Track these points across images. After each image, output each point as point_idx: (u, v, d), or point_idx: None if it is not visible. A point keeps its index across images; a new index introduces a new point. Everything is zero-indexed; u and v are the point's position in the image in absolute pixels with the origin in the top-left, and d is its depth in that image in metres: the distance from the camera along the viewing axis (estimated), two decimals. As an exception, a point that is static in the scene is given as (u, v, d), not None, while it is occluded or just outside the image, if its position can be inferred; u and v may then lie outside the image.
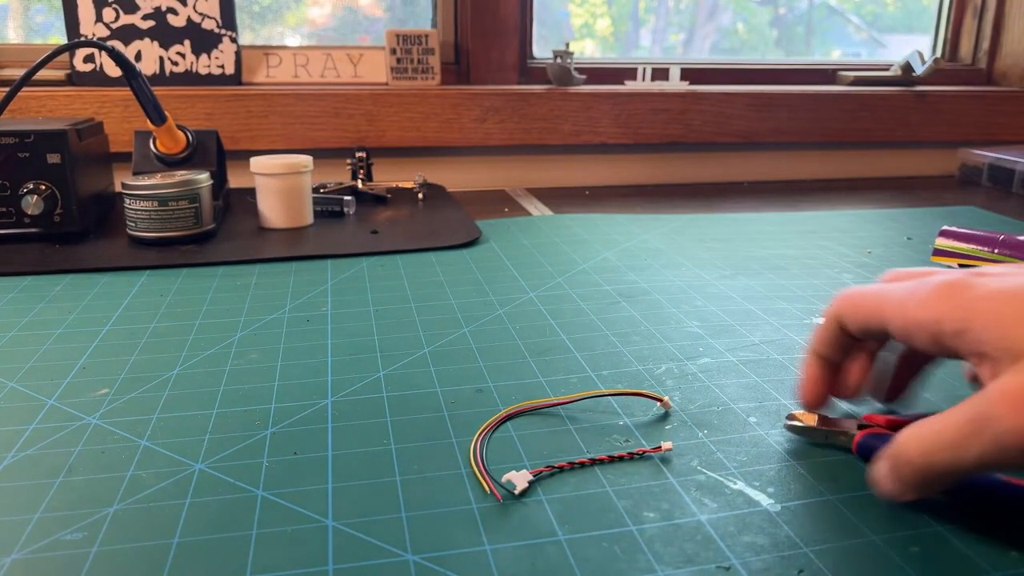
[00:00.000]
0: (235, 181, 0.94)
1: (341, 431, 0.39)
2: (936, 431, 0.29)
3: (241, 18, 1.06)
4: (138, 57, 0.97)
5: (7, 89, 0.65)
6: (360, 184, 0.91)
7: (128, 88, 0.72)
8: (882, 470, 0.32)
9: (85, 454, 0.37)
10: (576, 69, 1.07)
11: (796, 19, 1.34)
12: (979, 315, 0.29)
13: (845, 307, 0.36)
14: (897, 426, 0.35)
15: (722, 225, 0.82)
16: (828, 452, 0.37)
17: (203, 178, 0.71)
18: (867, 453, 0.35)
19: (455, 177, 1.05)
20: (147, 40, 0.97)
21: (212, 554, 0.30)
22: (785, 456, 0.37)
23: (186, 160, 0.77)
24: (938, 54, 1.31)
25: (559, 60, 1.05)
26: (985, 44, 1.26)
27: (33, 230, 0.71)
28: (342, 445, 0.38)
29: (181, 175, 0.71)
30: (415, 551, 0.30)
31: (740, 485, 0.35)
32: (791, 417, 0.39)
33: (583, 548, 0.30)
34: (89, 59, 0.96)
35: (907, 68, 1.17)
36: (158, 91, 0.76)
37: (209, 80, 0.99)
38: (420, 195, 0.93)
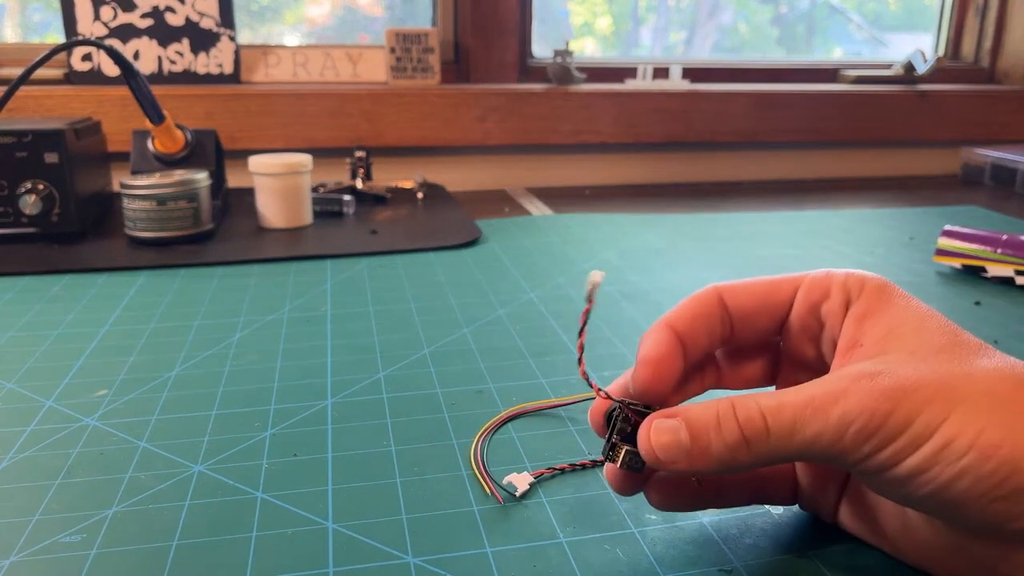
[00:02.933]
0: (234, 181, 0.94)
1: (341, 432, 0.39)
2: (803, 396, 0.25)
3: (240, 17, 1.06)
4: (136, 56, 0.97)
5: (5, 88, 0.65)
6: (359, 184, 0.90)
7: (126, 87, 0.71)
8: (681, 434, 0.26)
9: (84, 456, 0.37)
10: (576, 68, 1.07)
11: (797, 18, 1.33)
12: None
13: (734, 284, 0.30)
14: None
15: (723, 225, 0.81)
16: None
17: (202, 178, 0.71)
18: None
19: (455, 177, 1.05)
20: (145, 39, 0.97)
21: (212, 556, 0.30)
22: (788, 457, 0.37)
23: (185, 160, 0.77)
24: (940, 53, 1.30)
25: (559, 59, 1.04)
26: (987, 43, 1.26)
27: (31, 230, 0.71)
28: (342, 447, 0.37)
29: (180, 175, 0.71)
30: (416, 553, 0.30)
31: (743, 487, 0.34)
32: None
33: (585, 550, 0.30)
34: (87, 58, 0.96)
35: (909, 67, 1.17)
36: (156, 90, 0.75)
37: (208, 79, 0.99)
38: (420, 195, 0.93)
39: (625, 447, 0.28)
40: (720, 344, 0.30)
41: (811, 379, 0.27)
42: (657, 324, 0.29)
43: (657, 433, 0.26)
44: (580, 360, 0.28)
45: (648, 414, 0.27)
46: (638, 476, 0.29)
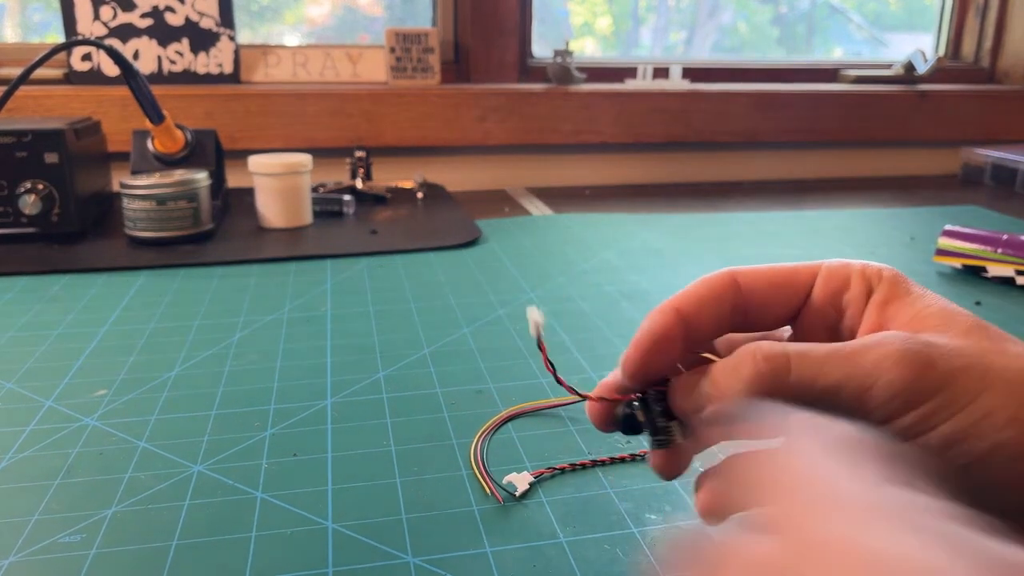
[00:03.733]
0: (234, 181, 0.94)
1: (341, 432, 0.39)
2: (833, 346, 0.25)
3: (240, 17, 1.06)
4: (136, 56, 0.97)
5: (4, 88, 0.65)
6: (359, 184, 0.90)
7: (126, 87, 0.71)
8: (703, 382, 0.26)
9: (83, 456, 0.37)
10: (576, 68, 1.07)
11: (797, 18, 1.33)
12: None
13: (750, 268, 0.30)
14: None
15: (723, 225, 0.81)
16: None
17: (202, 178, 0.71)
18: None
19: (455, 177, 1.04)
20: (145, 39, 0.97)
21: (211, 556, 0.30)
22: (788, 457, 0.37)
23: (184, 159, 0.77)
24: (940, 53, 1.30)
25: (559, 59, 1.04)
26: (988, 43, 1.26)
27: (31, 230, 0.71)
28: (342, 446, 0.37)
29: (179, 175, 0.71)
30: (415, 553, 0.30)
31: (743, 487, 0.34)
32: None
33: (584, 550, 0.30)
34: (87, 58, 0.96)
35: (909, 67, 1.17)
36: (156, 90, 0.75)
37: (207, 79, 0.99)
38: (420, 195, 0.93)
39: (673, 422, 0.27)
40: (729, 329, 0.30)
41: None
42: (661, 306, 0.29)
43: (682, 387, 0.26)
44: (555, 376, 0.28)
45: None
46: (683, 453, 0.29)
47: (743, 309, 0.29)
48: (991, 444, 0.22)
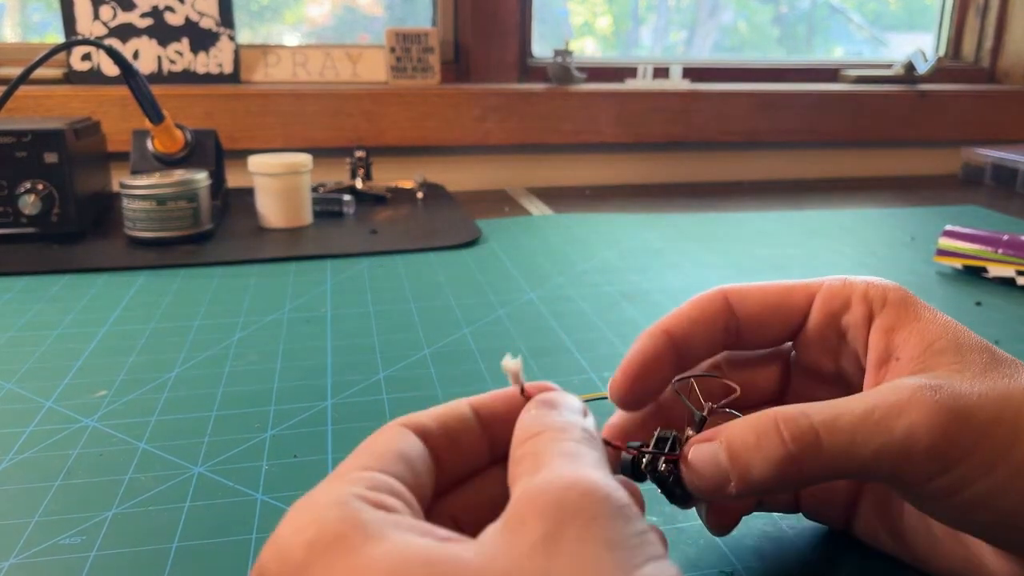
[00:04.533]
0: (234, 181, 0.94)
1: (341, 433, 0.39)
2: (862, 408, 0.23)
3: (239, 16, 1.06)
4: (136, 56, 0.96)
5: (4, 88, 0.64)
6: (359, 184, 0.90)
7: (126, 87, 0.71)
8: (720, 457, 0.23)
9: (83, 457, 0.37)
10: (576, 68, 1.07)
11: (798, 17, 1.33)
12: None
13: (743, 287, 0.29)
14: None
15: (724, 225, 0.81)
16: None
17: (201, 178, 0.71)
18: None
19: (455, 177, 1.04)
20: (145, 38, 0.97)
21: (212, 558, 0.30)
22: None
23: (184, 159, 0.77)
24: (941, 53, 1.30)
25: (559, 59, 1.04)
26: (988, 42, 1.26)
27: (30, 230, 0.71)
28: (342, 448, 0.37)
29: (179, 175, 0.71)
30: (416, 556, 0.30)
31: (744, 488, 0.34)
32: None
33: (586, 553, 0.30)
34: (86, 58, 0.96)
35: (909, 67, 1.17)
36: (156, 90, 0.75)
37: (207, 79, 0.99)
38: (420, 195, 0.93)
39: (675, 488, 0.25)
40: (723, 349, 0.29)
41: (829, 393, 0.25)
42: (651, 328, 0.28)
43: (696, 460, 0.24)
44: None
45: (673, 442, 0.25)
46: (733, 507, 0.27)
47: (736, 330, 0.28)
48: (1022, 497, 0.22)
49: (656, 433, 0.26)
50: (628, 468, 0.26)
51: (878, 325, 0.26)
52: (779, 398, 0.30)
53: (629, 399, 0.27)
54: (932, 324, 0.26)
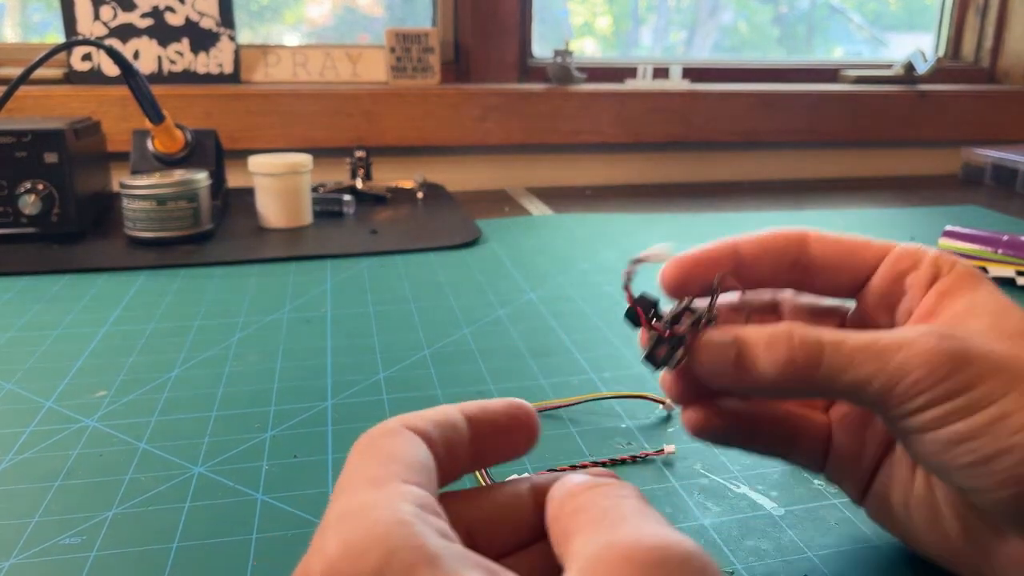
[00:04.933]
0: (234, 181, 0.94)
1: (341, 434, 0.39)
2: (867, 338, 0.25)
3: (240, 17, 1.06)
4: (136, 56, 0.97)
5: (4, 88, 0.64)
6: (359, 184, 0.90)
7: (126, 87, 0.71)
8: (730, 351, 0.26)
9: (83, 457, 0.37)
10: (576, 68, 1.07)
11: (798, 17, 1.33)
12: None
13: (823, 232, 0.29)
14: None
15: (724, 225, 0.81)
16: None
17: (201, 178, 0.71)
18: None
19: (455, 177, 1.04)
20: (145, 39, 0.97)
21: (212, 559, 0.30)
22: (789, 459, 0.37)
23: (184, 159, 0.77)
24: (940, 53, 1.30)
25: (559, 59, 1.04)
26: (988, 42, 1.26)
27: (30, 230, 0.71)
28: (342, 448, 0.37)
29: (179, 175, 0.71)
30: (416, 556, 0.30)
31: (744, 489, 0.34)
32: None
33: (586, 553, 0.30)
34: (87, 58, 0.96)
35: (909, 67, 1.17)
36: (156, 90, 0.75)
37: (207, 79, 0.99)
38: (420, 195, 0.93)
39: (666, 345, 0.27)
40: (787, 284, 0.30)
41: None
42: (722, 241, 0.29)
43: (707, 346, 0.26)
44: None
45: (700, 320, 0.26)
46: (690, 386, 0.28)
47: (805, 267, 0.29)
48: (1001, 447, 0.23)
49: (683, 303, 0.27)
50: (634, 317, 0.28)
51: (935, 288, 0.27)
52: None
53: (674, 289, 0.29)
54: (984, 296, 0.26)
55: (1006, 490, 0.23)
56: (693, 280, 0.28)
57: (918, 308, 0.27)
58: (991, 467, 0.23)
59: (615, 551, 0.17)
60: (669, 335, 0.27)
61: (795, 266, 0.29)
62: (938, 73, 1.20)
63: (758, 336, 0.25)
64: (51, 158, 0.70)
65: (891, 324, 0.29)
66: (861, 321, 0.30)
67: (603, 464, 0.36)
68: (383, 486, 0.19)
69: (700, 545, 0.18)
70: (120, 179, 0.70)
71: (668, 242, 0.26)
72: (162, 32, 0.97)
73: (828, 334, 0.25)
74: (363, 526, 0.17)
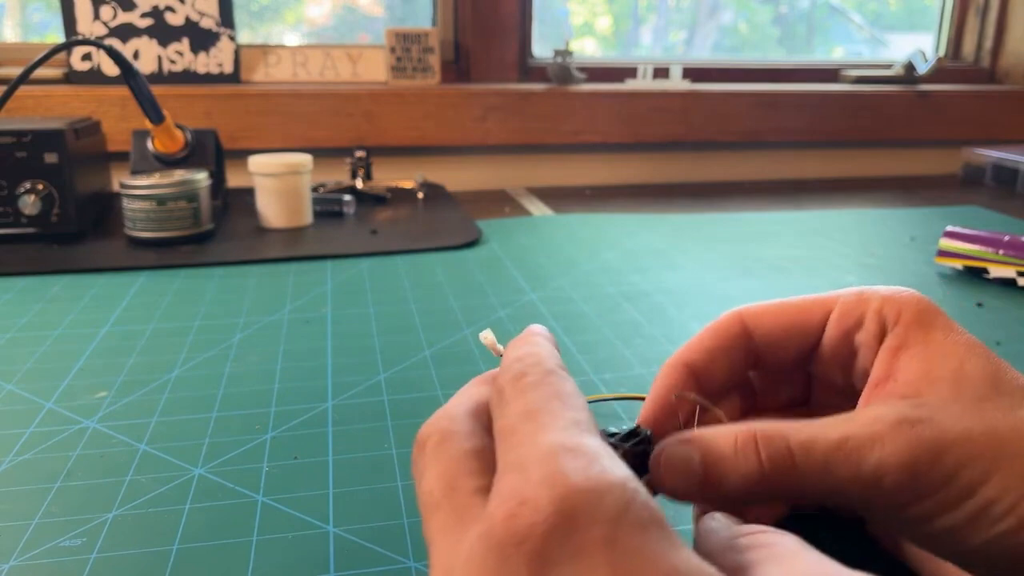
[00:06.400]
0: (234, 181, 0.94)
1: (342, 435, 0.39)
2: (837, 435, 0.23)
3: (240, 16, 1.06)
4: (136, 56, 0.96)
5: (4, 88, 0.64)
6: (359, 184, 0.90)
7: (126, 87, 0.71)
8: (693, 464, 0.24)
9: (83, 458, 0.37)
10: (576, 68, 1.07)
11: (798, 17, 1.33)
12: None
13: (759, 308, 0.29)
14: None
15: (724, 225, 0.81)
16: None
17: (201, 178, 0.71)
18: None
19: (455, 177, 1.04)
20: (145, 38, 0.96)
21: (212, 560, 0.30)
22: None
23: (184, 159, 0.77)
24: (941, 53, 1.30)
25: (559, 59, 1.04)
26: (988, 43, 1.26)
27: (30, 230, 0.71)
28: (343, 449, 0.37)
29: (179, 175, 0.71)
30: (417, 558, 0.30)
31: (745, 490, 0.34)
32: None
33: (587, 555, 0.30)
34: (87, 58, 0.96)
35: (909, 67, 1.17)
36: (156, 90, 0.75)
37: (207, 79, 0.99)
38: (420, 195, 0.92)
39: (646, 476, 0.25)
40: (744, 372, 0.29)
41: (847, 402, 0.25)
42: (671, 360, 0.28)
43: (669, 462, 0.24)
44: None
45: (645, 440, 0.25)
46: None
47: (755, 353, 0.28)
48: (988, 537, 0.22)
49: (629, 428, 0.26)
50: None
51: (886, 345, 0.26)
52: (803, 403, 0.30)
53: (659, 430, 0.28)
54: (939, 347, 0.25)
55: (999, 569, 0.22)
56: (672, 419, 0.28)
57: (873, 372, 0.26)
58: (981, 554, 0.22)
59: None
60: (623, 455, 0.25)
61: (746, 354, 0.28)
62: (938, 73, 1.20)
63: (722, 446, 0.24)
64: (51, 158, 0.69)
65: (848, 385, 0.28)
66: (821, 380, 0.29)
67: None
68: (592, 434, 0.19)
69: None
70: (120, 179, 0.70)
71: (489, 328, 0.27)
72: (162, 32, 0.97)
73: (795, 435, 0.23)
74: (602, 467, 0.17)
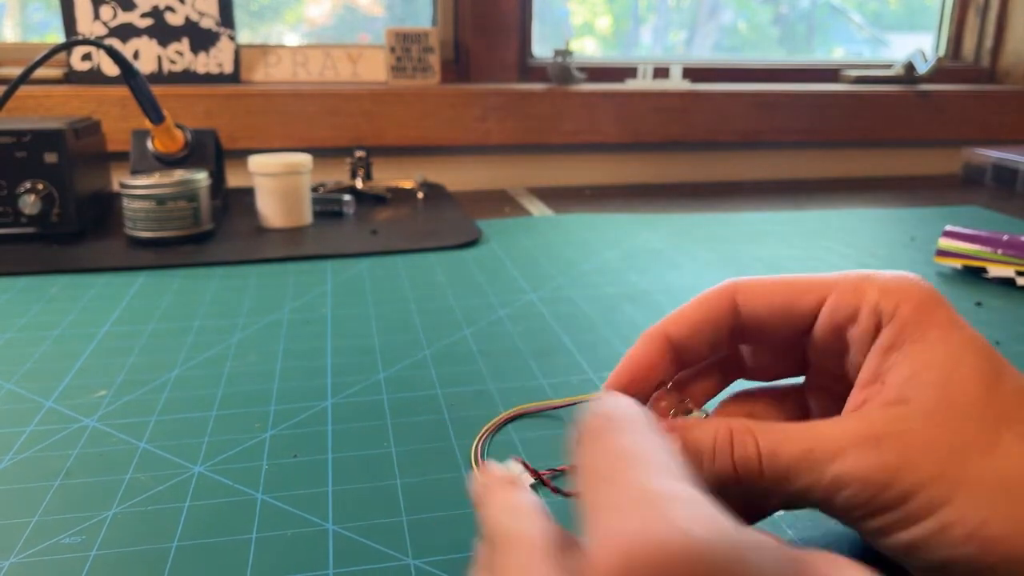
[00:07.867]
0: (234, 181, 0.94)
1: (341, 434, 0.39)
2: (802, 446, 0.24)
3: (240, 16, 1.06)
4: (136, 56, 0.96)
5: (4, 88, 0.64)
6: (359, 184, 0.90)
7: (126, 87, 0.71)
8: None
9: (83, 457, 0.37)
10: (576, 68, 1.07)
11: (798, 17, 1.33)
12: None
13: (749, 282, 0.28)
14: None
15: (724, 225, 0.81)
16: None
17: (201, 177, 0.71)
18: None
19: (455, 177, 1.04)
20: (145, 38, 0.97)
21: (211, 558, 0.30)
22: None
23: (184, 159, 0.77)
24: (941, 53, 1.30)
25: (559, 59, 1.04)
26: (988, 42, 1.26)
27: (30, 230, 0.71)
28: (342, 448, 0.37)
29: (179, 174, 0.71)
30: (416, 555, 0.30)
31: (744, 488, 0.34)
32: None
33: (586, 553, 0.30)
34: (87, 57, 0.96)
35: (910, 67, 1.17)
36: (156, 90, 0.75)
37: (207, 79, 0.99)
38: (420, 195, 0.93)
39: None
40: (728, 348, 0.29)
41: (837, 385, 0.26)
42: (651, 330, 0.28)
43: None
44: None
45: None
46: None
47: (741, 332, 0.28)
48: (946, 557, 0.22)
49: None
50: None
51: (878, 344, 0.25)
52: (799, 373, 0.30)
53: (631, 388, 0.28)
54: (933, 347, 0.24)
55: None
56: (637, 391, 0.27)
57: (862, 372, 0.26)
58: (946, 571, 0.22)
59: None
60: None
61: (731, 332, 0.28)
62: (938, 73, 1.20)
63: (701, 442, 0.24)
64: (51, 158, 0.69)
65: (843, 373, 0.27)
66: (816, 362, 0.29)
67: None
68: (682, 481, 0.18)
69: None
70: (120, 179, 0.70)
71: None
72: (162, 32, 0.97)
73: (763, 438, 0.24)
74: (706, 514, 0.16)
